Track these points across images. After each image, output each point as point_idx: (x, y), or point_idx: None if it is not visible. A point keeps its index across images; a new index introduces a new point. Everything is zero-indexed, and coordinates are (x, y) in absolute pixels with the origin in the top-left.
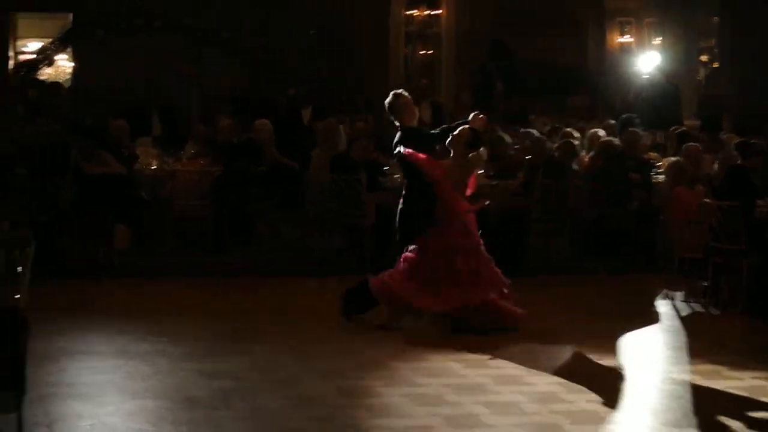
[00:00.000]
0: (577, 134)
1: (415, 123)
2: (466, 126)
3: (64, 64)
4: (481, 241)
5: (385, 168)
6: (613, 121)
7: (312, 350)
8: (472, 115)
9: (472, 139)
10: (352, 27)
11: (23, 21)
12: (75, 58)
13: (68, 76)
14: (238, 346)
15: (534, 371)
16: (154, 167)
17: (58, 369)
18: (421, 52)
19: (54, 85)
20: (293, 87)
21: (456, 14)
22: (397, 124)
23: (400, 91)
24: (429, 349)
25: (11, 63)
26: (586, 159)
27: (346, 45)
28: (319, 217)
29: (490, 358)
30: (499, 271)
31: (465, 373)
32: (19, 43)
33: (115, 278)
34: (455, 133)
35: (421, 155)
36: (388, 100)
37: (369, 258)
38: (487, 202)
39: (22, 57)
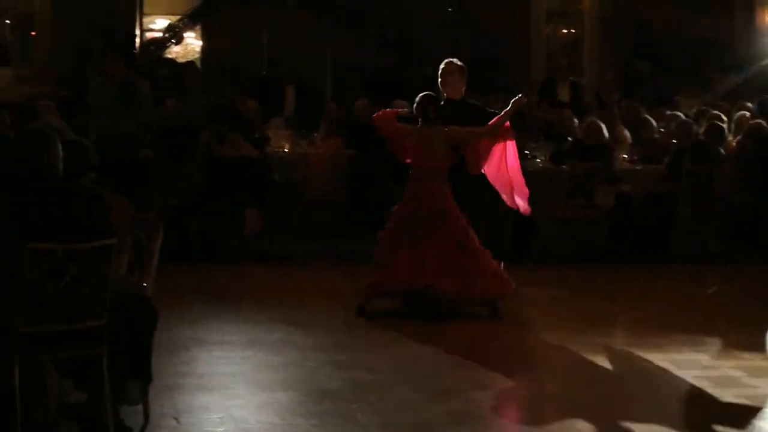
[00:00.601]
0: (724, 117)
1: (458, 95)
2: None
3: (192, 42)
4: (460, 220)
5: (526, 152)
6: (750, 104)
7: (447, 340)
8: (516, 98)
9: (421, 107)
10: (492, 4)
11: None
12: (204, 35)
13: (197, 55)
14: (371, 336)
15: (689, 364)
16: (287, 150)
17: (187, 359)
18: (563, 31)
19: (185, 65)
20: (430, 66)
21: None
22: (445, 95)
23: (450, 59)
24: (567, 340)
25: (138, 41)
26: (734, 143)
27: (486, 23)
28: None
29: (634, 351)
30: (497, 269)
31: (605, 366)
32: (146, 20)
33: (245, 264)
34: None
35: (384, 116)
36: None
37: (509, 245)
38: None
39: (149, 35)
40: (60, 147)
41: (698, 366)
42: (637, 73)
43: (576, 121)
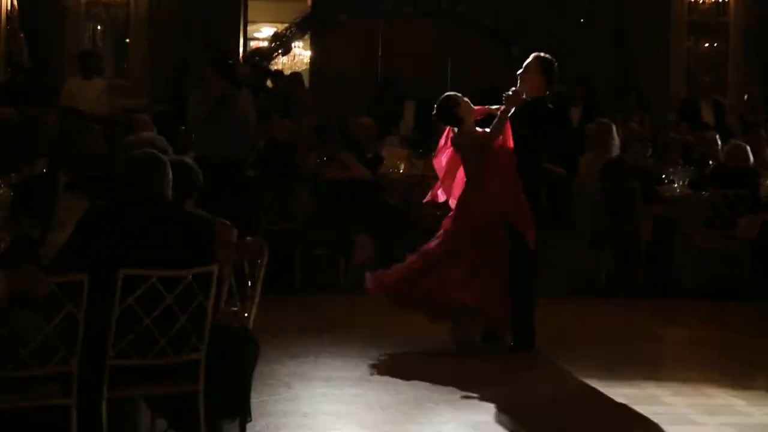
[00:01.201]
0: None
1: (537, 93)
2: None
3: (300, 53)
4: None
5: (662, 176)
6: None
7: (575, 380)
8: (507, 94)
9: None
10: (624, 15)
11: (255, 3)
12: (313, 45)
13: (305, 66)
14: (491, 374)
15: None
16: (402, 171)
17: (289, 396)
18: (705, 45)
19: (292, 77)
20: (561, 83)
21: (747, 1)
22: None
23: (536, 53)
24: (708, 383)
25: (241, 50)
26: None
27: (619, 35)
28: (589, 231)
29: None
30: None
31: (749, 411)
32: (251, 28)
33: (354, 295)
34: None
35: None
36: None
37: (644, 279)
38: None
39: (254, 44)
40: (170, 172)
41: None
42: None
43: (719, 143)
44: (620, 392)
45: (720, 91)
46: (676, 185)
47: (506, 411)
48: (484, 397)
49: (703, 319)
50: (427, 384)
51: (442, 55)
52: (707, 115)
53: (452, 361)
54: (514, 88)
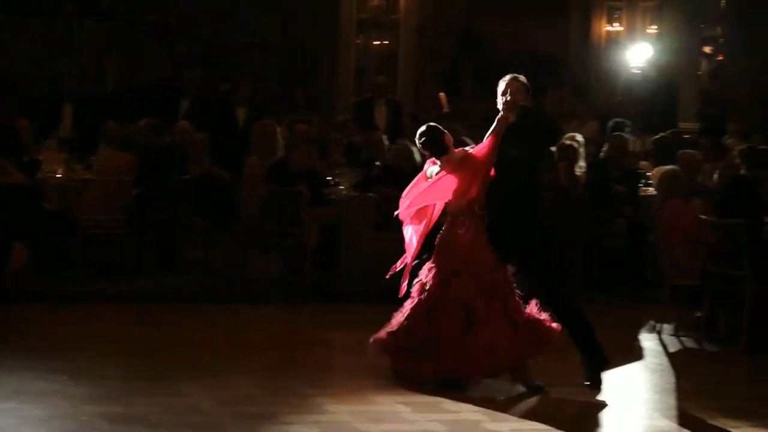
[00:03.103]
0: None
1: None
2: None
3: None
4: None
5: (328, 178)
6: (594, 123)
7: (242, 390)
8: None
9: None
10: (293, 14)
11: None
12: None
13: None
14: (152, 386)
15: (492, 412)
16: (60, 175)
17: None
18: (375, 43)
19: None
20: (227, 82)
21: None
22: None
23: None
24: (375, 389)
25: None
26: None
27: (288, 33)
28: (254, 236)
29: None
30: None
31: (415, 418)
32: None
33: (9, 305)
34: None
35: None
36: None
37: (310, 284)
38: None
39: None
40: None
41: (511, 411)
42: (460, 88)
43: (386, 144)
44: (285, 401)
45: (391, 90)
46: (342, 187)
47: (162, 424)
48: (140, 410)
49: (371, 324)
50: (81, 396)
51: (106, 55)
52: (380, 115)
53: (109, 375)
54: (511, 92)
